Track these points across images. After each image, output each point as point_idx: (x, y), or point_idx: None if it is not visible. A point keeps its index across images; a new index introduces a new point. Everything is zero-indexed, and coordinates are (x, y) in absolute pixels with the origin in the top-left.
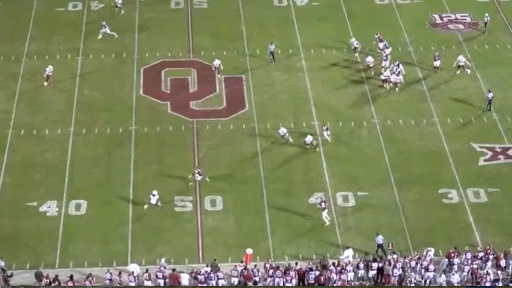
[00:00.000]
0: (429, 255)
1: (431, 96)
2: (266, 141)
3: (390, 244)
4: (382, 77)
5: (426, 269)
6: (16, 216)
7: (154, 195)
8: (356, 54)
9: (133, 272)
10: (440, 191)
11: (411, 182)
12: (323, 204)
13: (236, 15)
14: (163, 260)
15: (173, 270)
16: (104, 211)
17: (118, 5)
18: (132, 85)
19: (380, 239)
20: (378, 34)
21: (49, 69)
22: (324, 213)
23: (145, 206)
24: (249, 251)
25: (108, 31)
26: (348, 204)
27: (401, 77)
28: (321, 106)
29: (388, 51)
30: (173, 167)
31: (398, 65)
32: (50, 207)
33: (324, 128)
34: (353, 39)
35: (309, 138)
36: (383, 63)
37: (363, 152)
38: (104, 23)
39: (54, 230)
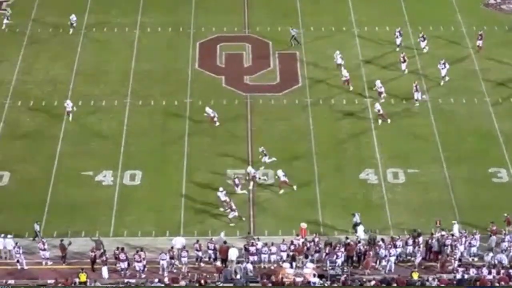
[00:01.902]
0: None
1: (482, 75)
2: (318, 116)
3: (438, 222)
4: None
5: (470, 245)
6: (72, 185)
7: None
8: (343, 69)
9: (184, 246)
10: (490, 170)
11: (461, 160)
12: (236, 181)
13: None
14: (222, 234)
15: (225, 242)
16: (158, 182)
17: None
18: (187, 58)
19: (357, 217)
20: (399, 28)
21: (68, 104)
22: (238, 189)
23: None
24: (303, 225)
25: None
26: (398, 180)
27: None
28: (373, 84)
29: (424, 44)
30: (226, 140)
31: (444, 64)
32: (105, 177)
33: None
34: (337, 52)
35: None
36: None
37: (413, 130)
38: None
39: (109, 199)
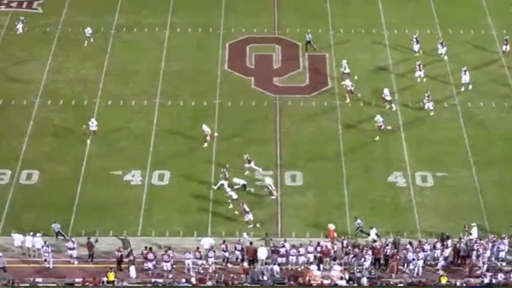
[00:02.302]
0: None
1: None
2: (347, 118)
3: (466, 225)
4: None
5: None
6: (101, 185)
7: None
8: (347, 80)
9: (211, 246)
10: None
11: (490, 164)
12: (226, 174)
13: None
14: (245, 234)
15: (251, 243)
16: (187, 182)
17: None
18: (217, 59)
19: (359, 222)
20: (416, 35)
21: (93, 123)
22: (225, 183)
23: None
24: (331, 226)
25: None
26: (426, 184)
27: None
28: (402, 86)
29: (443, 50)
30: (255, 141)
31: (465, 71)
32: (134, 176)
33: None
34: (344, 61)
35: (378, 118)
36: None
37: (443, 133)
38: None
39: (137, 199)
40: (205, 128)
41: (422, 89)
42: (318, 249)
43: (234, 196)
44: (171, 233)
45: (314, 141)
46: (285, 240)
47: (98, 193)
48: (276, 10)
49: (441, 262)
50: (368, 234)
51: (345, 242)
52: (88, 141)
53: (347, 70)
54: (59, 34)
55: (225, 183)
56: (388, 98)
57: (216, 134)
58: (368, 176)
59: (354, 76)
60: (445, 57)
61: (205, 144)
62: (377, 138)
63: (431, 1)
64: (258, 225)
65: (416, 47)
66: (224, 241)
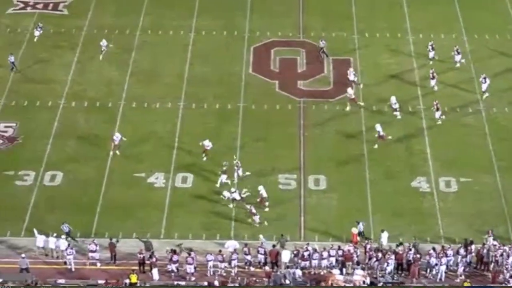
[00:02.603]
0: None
1: None
2: (371, 122)
3: (490, 231)
4: None
5: None
6: (124, 186)
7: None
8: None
9: (235, 249)
10: None
11: None
12: (224, 168)
13: None
14: (261, 236)
15: (273, 246)
16: (210, 185)
17: None
18: (241, 62)
19: (361, 226)
20: (431, 42)
21: (117, 137)
22: (224, 177)
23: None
24: (355, 230)
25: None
26: (450, 189)
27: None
28: (426, 90)
29: (458, 58)
30: (279, 145)
31: (485, 79)
32: (157, 179)
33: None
34: (350, 69)
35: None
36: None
37: (467, 138)
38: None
39: (161, 201)
40: (206, 143)
41: (442, 95)
42: (340, 253)
43: (233, 196)
44: (194, 236)
45: (338, 145)
46: (308, 244)
47: (121, 195)
48: (301, 13)
49: (461, 268)
50: (366, 238)
51: (368, 246)
52: (111, 153)
53: (353, 78)
54: (84, 36)
55: (224, 177)
56: (395, 106)
57: (124, 139)
58: (392, 180)
59: (360, 85)
60: (458, 65)
61: (204, 158)
62: (376, 146)
63: (457, 5)
64: (266, 223)
65: (431, 54)
66: (246, 244)
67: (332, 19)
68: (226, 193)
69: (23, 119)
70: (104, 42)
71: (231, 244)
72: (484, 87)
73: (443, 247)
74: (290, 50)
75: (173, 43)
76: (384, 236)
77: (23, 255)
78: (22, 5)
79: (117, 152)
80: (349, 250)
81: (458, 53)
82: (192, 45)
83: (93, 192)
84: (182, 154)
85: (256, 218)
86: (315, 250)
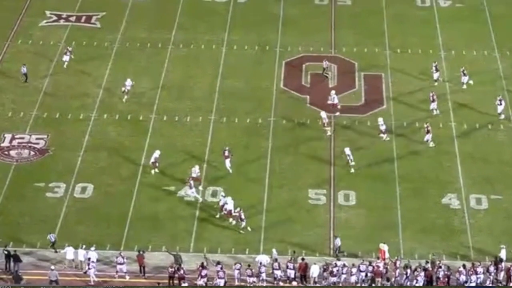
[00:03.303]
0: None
1: None
2: (402, 139)
3: None
4: None
5: None
6: (154, 199)
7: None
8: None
9: (261, 263)
10: None
11: None
12: (226, 153)
13: (378, 13)
14: (274, 250)
15: (302, 259)
16: (240, 199)
17: None
18: (273, 77)
19: (338, 241)
20: (435, 63)
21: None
22: (227, 162)
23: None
24: (383, 246)
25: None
26: (480, 206)
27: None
28: (458, 107)
29: (465, 79)
30: (309, 159)
31: (500, 101)
32: (187, 192)
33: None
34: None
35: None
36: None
37: (498, 156)
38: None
39: (191, 214)
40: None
41: (474, 111)
42: (370, 269)
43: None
44: (223, 250)
45: (368, 161)
46: (337, 259)
47: (151, 208)
48: (333, 28)
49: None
50: (343, 255)
51: (397, 262)
52: (153, 171)
53: (336, 101)
54: (116, 49)
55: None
56: (382, 127)
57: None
58: (422, 197)
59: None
60: (464, 86)
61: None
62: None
63: (489, 22)
64: (249, 228)
65: (435, 75)
66: (276, 259)
67: (364, 35)
68: (188, 192)
69: (54, 131)
70: (129, 82)
71: (263, 259)
72: (499, 109)
73: (473, 264)
74: (321, 65)
75: (205, 57)
76: (385, 247)
77: (52, 267)
78: (55, 17)
79: (156, 170)
80: (378, 266)
81: (465, 74)
82: (224, 59)
83: (123, 205)
84: (212, 168)
85: (242, 224)
86: (344, 265)
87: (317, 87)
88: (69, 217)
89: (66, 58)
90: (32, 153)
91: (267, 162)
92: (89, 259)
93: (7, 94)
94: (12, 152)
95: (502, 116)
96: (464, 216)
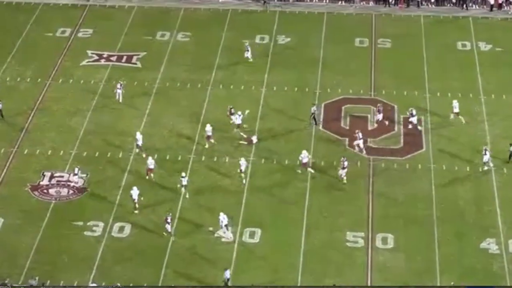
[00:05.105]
0: None
1: None
2: (441, 182)
3: None
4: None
5: None
6: (191, 239)
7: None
8: None
9: None
10: None
11: None
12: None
13: (419, 56)
14: None
15: None
16: (277, 240)
17: None
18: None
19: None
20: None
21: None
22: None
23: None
24: None
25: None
26: None
27: None
28: (498, 151)
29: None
30: (347, 201)
31: (485, 150)
32: (225, 233)
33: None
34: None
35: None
36: None
37: None
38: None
39: (229, 255)
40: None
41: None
42: None
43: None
44: None
45: (407, 204)
46: None
47: (188, 247)
48: (372, 71)
49: None
50: None
51: None
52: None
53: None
54: (156, 88)
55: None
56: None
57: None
58: (460, 241)
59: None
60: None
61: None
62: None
63: None
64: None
65: (413, 119)
66: None
67: (404, 77)
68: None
69: (93, 170)
70: (151, 161)
71: None
72: (485, 158)
73: None
74: (361, 107)
75: (244, 97)
76: None
77: None
78: (96, 57)
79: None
80: None
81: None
82: (263, 100)
83: (161, 244)
84: (250, 208)
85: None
86: None
87: (356, 129)
88: (107, 256)
89: (119, 91)
90: (70, 191)
91: (305, 203)
92: None
93: (48, 132)
94: (51, 190)
95: (486, 167)
96: (503, 261)
